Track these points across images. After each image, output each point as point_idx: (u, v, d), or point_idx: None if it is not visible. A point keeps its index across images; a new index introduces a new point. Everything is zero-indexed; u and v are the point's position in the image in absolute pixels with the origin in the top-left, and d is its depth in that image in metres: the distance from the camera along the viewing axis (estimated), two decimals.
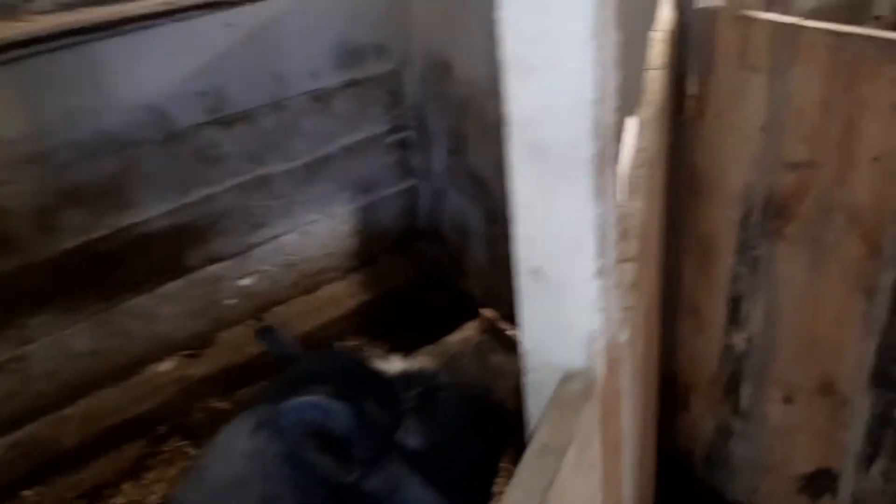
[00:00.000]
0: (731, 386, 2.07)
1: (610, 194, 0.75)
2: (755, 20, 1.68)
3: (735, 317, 1.99)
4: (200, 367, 2.64)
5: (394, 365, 1.44)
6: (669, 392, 2.22)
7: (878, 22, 4.18)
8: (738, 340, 2.00)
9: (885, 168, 1.57)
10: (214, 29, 2.38)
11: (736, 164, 1.83)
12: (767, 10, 3.43)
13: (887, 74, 1.51)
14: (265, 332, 1.52)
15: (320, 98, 2.61)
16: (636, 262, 0.98)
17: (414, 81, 2.76)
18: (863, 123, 1.57)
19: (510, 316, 0.95)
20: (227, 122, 2.50)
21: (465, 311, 2.91)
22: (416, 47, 2.69)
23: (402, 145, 2.87)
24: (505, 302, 2.78)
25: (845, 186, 1.65)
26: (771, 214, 1.81)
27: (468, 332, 1.71)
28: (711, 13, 1.74)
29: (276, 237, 2.72)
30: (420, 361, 1.49)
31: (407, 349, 2.80)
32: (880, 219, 1.62)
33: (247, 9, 2.39)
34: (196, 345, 2.67)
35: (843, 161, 1.63)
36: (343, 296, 2.85)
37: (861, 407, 1.79)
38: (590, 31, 0.64)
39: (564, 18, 0.65)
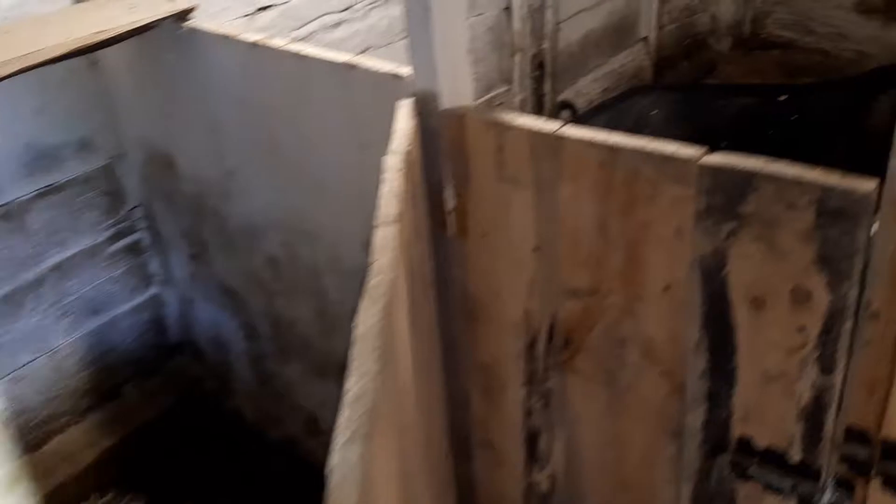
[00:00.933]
0: None
1: None
2: (510, 127, 1.36)
3: (534, 453, 1.69)
4: None
5: None
6: None
7: (645, 42, 4.13)
8: (541, 478, 1.71)
9: (676, 299, 1.31)
10: None
11: (511, 288, 1.52)
12: (538, 46, 3.20)
13: (668, 195, 1.24)
14: None
15: (9, 215, 2.05)
16: None
17: (134, 176, 2.26)
18: (647, 250, 1.30)
19: None
20: None
21: (237, 434, 2.48)
22: (130, 137, 2.19)
23: (134, 251, 2.36)
24: (280, 423, 2.34)
25: (635, 318, 1.38)
26: (557, 345, 1.52)
27: None
28: (459, 117, 1.41)
29: None
30: None
31: (175, 494, 2.32)
32: (679, 354, 1.36)
33: None
34: None
35: (630, 290, 1.36)
36: (79, 446, 2.30)
37: None
38: None
39: None
